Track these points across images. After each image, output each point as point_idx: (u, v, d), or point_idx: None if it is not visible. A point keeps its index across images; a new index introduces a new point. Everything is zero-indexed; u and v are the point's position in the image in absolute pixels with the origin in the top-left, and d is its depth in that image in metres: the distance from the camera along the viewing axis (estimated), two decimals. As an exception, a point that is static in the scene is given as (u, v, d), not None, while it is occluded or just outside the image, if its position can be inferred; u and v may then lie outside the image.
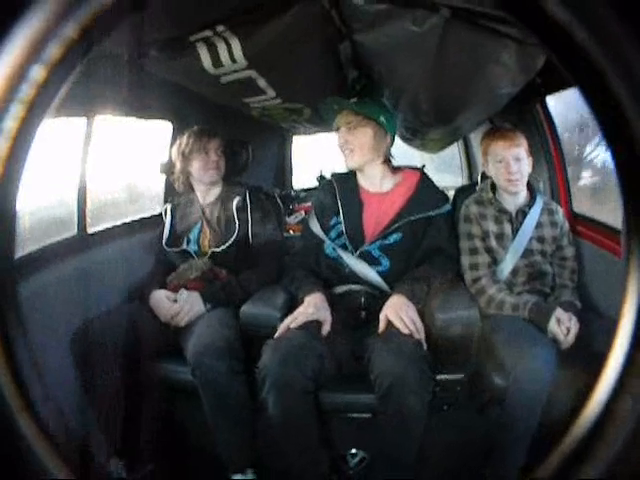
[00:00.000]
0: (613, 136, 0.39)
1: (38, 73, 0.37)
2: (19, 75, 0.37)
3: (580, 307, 1.99)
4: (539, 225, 2.08)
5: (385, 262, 1.96)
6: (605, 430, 0.38)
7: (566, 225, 2.14)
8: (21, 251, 1.72)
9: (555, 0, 0.37)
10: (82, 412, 1.69)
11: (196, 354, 1.82)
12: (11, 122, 0.37)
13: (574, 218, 2.33)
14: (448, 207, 2.06)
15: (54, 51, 0.37)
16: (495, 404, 1.83)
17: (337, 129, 2.01)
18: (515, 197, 2.09)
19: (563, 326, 1.83)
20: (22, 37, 0.37)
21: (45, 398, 0.41)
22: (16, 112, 0.37)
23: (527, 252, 2.04)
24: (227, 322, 1.95)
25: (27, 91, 0.37)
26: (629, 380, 0.38)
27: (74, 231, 2.04)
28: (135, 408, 1.87)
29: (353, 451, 1.90)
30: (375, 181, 2.06)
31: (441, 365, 1.78)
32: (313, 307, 1.84)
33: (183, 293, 2.05)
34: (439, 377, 1.77)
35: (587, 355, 1.68)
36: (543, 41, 0.41)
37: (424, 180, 2.07)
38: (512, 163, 2.00)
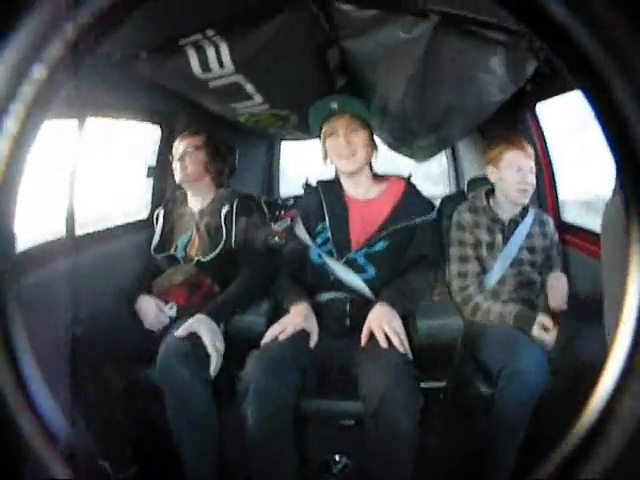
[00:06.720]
0: (613, 136, 0.40)
1: (39, 72, 0.37)
2: (20, 74, 0.37)
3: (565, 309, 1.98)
4: (530, 235, 2.07)
5: (370, 270, 1.94)
6: (605, 430, 0.39)
7: (556, 237, 2.14)
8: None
9: (555, 0, 0.37)
10: (70, 417, 1.64)
11: (161, 358, 1.80)
12: (11, 122, 0.37)
13: (563, 227, 2.33)
14: (434, 215, 2.04)
15: (55, 50, 0.37)
16: (482, 412, 1.82)
17: (329, 134, 1.97)
18: (513, 207, 2.09)
19: (546, 329, 1.83)
20: (23, 36, 0.37)
21: (45, 398, 0.42)
22: (16, 112, 0.37)
23: (517, 262, 2.04)
24: None
25: (28, 91, 0.37)
26: (629, 380, 0.39)
27: (62, 233, 2.02)
28: (118, 410, 1.87)
29: (336, 457, 1.87)
30: (362, 188, 2.04)
31: (423, 373, 1.74)
32: (301, 317, 1.82)
33: (173, 307, 2.05)
34: (422, 385, 1.72)
35: (576, 363, 1.69)
36: (543, 41, 0.41)
37: (410, 188, 2.05)
38: (529, 174, 2.01)
